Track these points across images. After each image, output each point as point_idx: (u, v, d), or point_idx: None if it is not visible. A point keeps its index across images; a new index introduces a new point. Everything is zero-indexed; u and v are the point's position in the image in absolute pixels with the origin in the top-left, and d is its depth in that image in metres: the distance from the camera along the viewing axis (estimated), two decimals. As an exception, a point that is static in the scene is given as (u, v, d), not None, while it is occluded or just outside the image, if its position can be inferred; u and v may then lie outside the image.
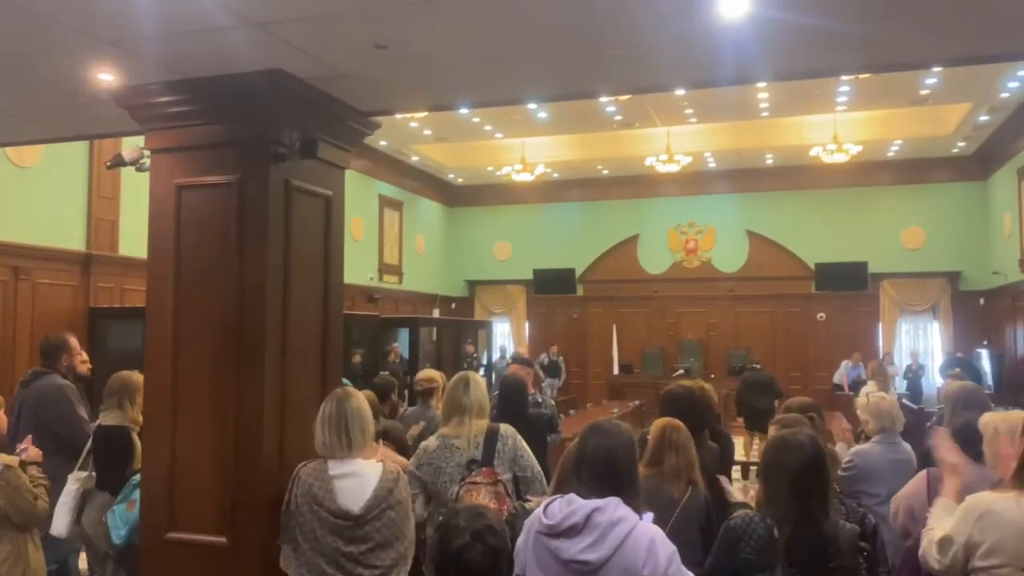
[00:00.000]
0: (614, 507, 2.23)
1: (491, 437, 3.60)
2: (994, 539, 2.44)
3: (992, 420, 3.18)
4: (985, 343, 14.73)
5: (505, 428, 3.71)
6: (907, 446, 4.33)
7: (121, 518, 3.92)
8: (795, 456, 2.63)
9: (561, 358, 16.83)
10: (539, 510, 2.34)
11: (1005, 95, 11.85)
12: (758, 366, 12.33)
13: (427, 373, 5.62)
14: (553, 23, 2.97)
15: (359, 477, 3.03)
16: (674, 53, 3.23)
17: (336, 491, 3.00)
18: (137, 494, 3.88)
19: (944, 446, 2.92)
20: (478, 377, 3.89)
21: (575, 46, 3.22)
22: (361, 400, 3.18)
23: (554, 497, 2.36)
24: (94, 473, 4.33)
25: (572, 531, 2.22)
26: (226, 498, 3.44)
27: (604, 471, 2.33)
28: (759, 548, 2.58)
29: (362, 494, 2.99)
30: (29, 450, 4.02)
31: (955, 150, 15.06)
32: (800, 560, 2.53)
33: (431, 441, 3.76)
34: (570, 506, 2.26)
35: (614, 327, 17.50)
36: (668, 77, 3.63)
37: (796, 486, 2.58)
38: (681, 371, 15.98)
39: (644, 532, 2.21)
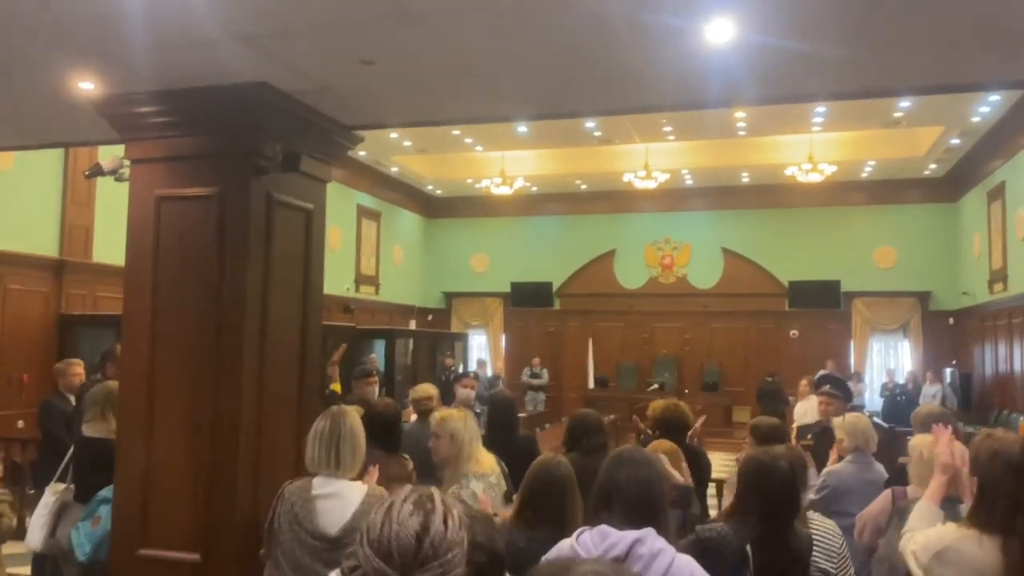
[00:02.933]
0: (652, 538, 2.16)
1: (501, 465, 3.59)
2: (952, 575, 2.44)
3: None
4: (954, 363, 14.95)
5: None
6: (879, 466, 4.38)
7: (86, 535, 3.81)
8: (771, 480, 2.67)
9: (544, 370, 16.82)
10: (570, 545, 2.24)
11: (976, 119, 12.10)
12: (771, 379, 12.68)
13: (425, 390, 5.22)
14: (541, 45, 3.00)
15: (341, 498, 2.95)
16: (661, 76, 3.27)
17: (317, 512, 2.93)
18: (103, 510, 3.78)
19: (944, 443, 2.84)
20: (469, 416, 3.82)
21: (562, 67, 3.25)
22: (355, 420, 3.10)
23: (582, 530, 2.26)
24: (72, 485, 4.23)
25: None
26: (200, 513, 3.39)
27: (640, 502, 2.27)
28: (733, 565, 2.61)
29: (342, 516, 2.91)
30: None
31: (927, 172, 15.33)
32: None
33: (475, 485, 3.59)
34: (607, 539, 2.17)
35: (590, 341, 17.53)
36: (654, 100, 3.67)
37: (770, 508, 2.63)
38: (655, 386, 16.07)
39: (685, 563, 2.17)
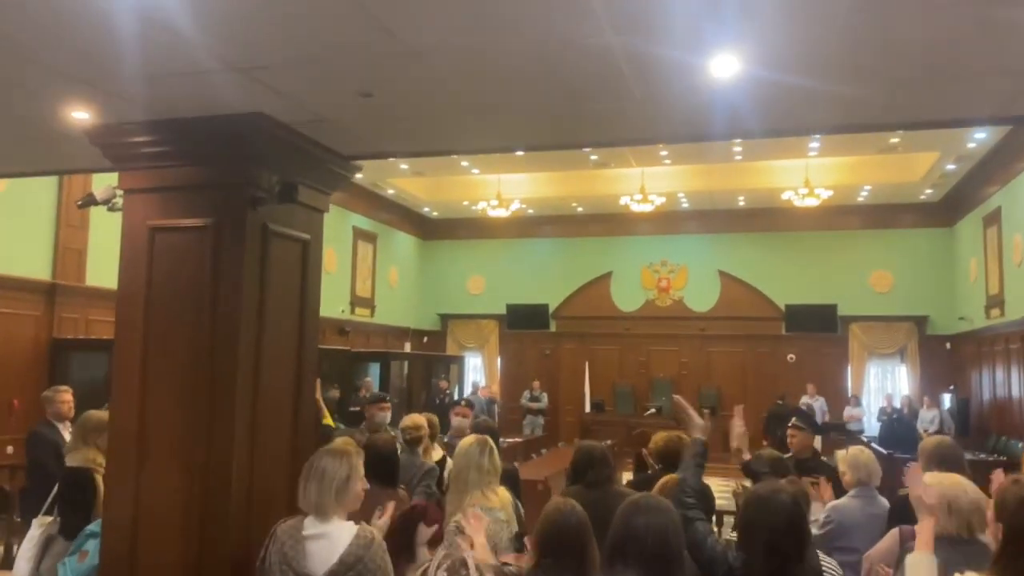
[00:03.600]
0: None
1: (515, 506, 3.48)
2: None
3: (930, 483, 3.15)
4: (951, 388, 14.90)
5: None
6: (883, 500, 4.31)
7: (72, 571, 3.74)
8: (773, 516, 2.53)
9: (544, 394, 16.71)
10: None
11: (972, 145, 12.15)
12: (781, 401, 12.71)
13: (413, 420, 5.14)
14: (542, 79, 2.96)
15: (329, 539, 2.87)
16: (665, 111, 3.24)
17: (306, 553, 2.86)
18: (90, 544, 3.71)
19: (919, 486, 2.75)
20: (488, 441, 3.75)
21: (563, 102, 3.21)
22: (333, 459, 2.99)
23: None
24: (59, 518, 4.17)
25: None
26: (191, 551, 3.31)
27: (656, 553, 2.20)
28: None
29: (329, 557, 2.83)
30: None
31: (923, 196, 15.36)
32: None
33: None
34: None
35: (586, 364, 17.46)
36: (657, 133, 3.65)
37: (772, 545, 2.50)
38: (652, 410, 15.97)
39: None
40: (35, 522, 4.23)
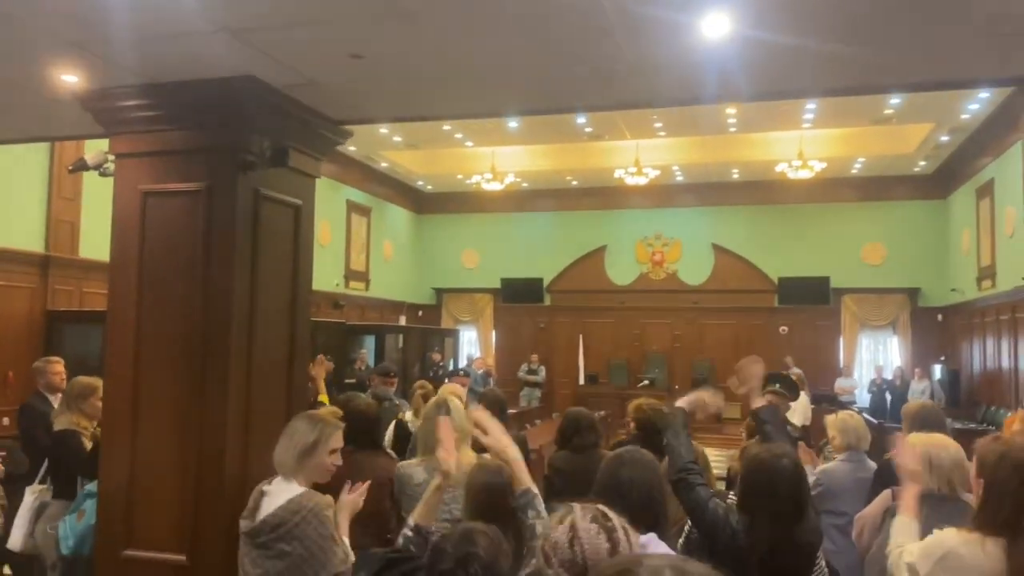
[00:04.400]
0: (656, 543, 2.11)
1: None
2: None
3: (913, 442, 3.20)
4: (942, 359, 15.01)
5: None
6: (872, 464, 4.36)
7: (71, 528, 3.81)
8: (775, 479, 2.57)
9: (542, 367, 16.79)
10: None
11: (965, 116, 12.13)
12: (785, 372, 12.77)
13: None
14: (532, 39, 2.95)
15: (273, 496, 2.83)
16: (655, 72, 3.23)
17: (258, 507, 2.84)
18: (88, 504, 3.77)
19: (905, 452, 2.82)
20: (457, 401, 3.70)
21: (553, 62, 3.20)
22: (308, 424, 2.95)
23: None
24: (51, 485, 4.23)
25: None
26: (187, 515, 3.34)
27: (641, 505, 2.21)
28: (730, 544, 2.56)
29: (265, 511, 2.80)
30: None
31: (916, 168, 15.37)
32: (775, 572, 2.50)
33: (415, 471, 3.46)
34: None
35: (581, 337, 17.53)
36: (648, 95, 3.62)
37: (774, 508, 2.53)
38: (646, 382, 16.06)
39: None
40: (28, 490, 4.30)
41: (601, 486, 2.31)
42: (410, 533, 2.41)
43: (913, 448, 2.86)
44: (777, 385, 5.41)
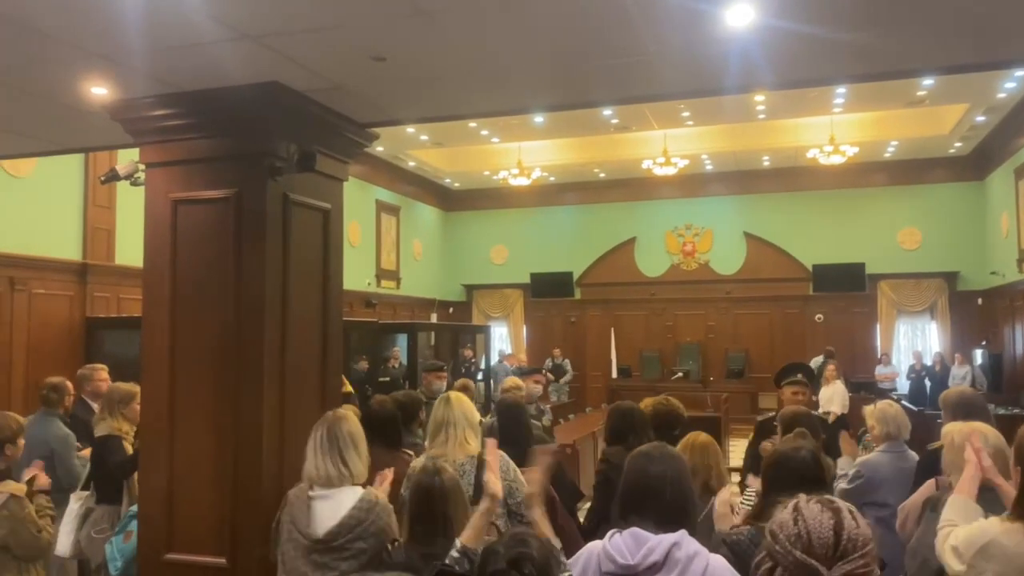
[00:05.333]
0: (687, 541, 2.10)
1: (482, 466, 3.30)
2: (996, 571, 2.37)
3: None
4: (983, 343, 14.69)
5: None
6: (913, 454, 4.28)
7: (119, 550, 3.88)
8: (794, 471, 2.62)
9: (567, 361, 16.71)
10: (600, 549, 2.16)
11: (1002, 95, 11.84)
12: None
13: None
14: (555, 34, 2.93)
15: (334, 500, 2.88)
16: (679, 63, 3.19)
17: (312, 513, 2.88)
18: (134, 525, 3.81)
19: (973, 456, 2.80)
20: (462, 395, 3.74)
21: (577, 57, 3.18)
22: (353, 423, 3.03)
23: (613, 532, 2.19)
24: (94, 492, 4.31)
25: (653, 569, 2.06)
26: (225, 518, 3.39)
27: (674, 503, 2.19)
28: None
29: (332, 518, 2.85)
30: (39, 477, 3.78)
31: (952, 150, 15.05)
32: None
33: (419, 461, 3.48)
34: (642, 543, 2.10)
35: (612, 330, 17.46)
36: (672, 87, 3.59)
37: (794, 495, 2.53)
38: (679, 374, 15.96)
39: (721, 565, 2.12)
40: (72, 496, 4.38)
41: (629, 483, 2.27)
42: (457, 555, 2.42)
43: (945, 432, 2.91)
44: (799, 375, 5.38)
